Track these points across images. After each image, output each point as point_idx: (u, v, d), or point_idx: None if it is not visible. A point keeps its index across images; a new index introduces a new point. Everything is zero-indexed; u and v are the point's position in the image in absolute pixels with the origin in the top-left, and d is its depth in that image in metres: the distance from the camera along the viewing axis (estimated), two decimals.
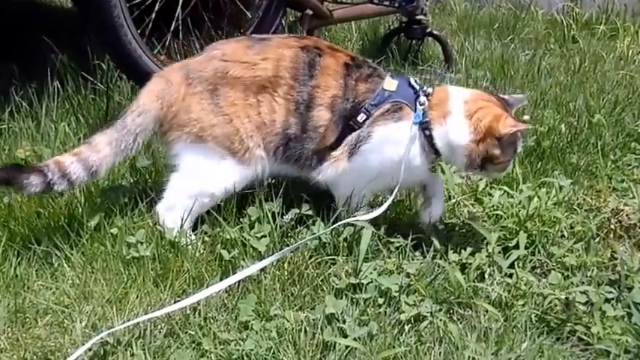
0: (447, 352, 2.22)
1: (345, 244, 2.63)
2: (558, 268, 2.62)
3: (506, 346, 2.24)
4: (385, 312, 2.38)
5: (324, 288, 2.47)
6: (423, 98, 2.61)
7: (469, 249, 2.61)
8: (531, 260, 2.62)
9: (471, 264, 2.56)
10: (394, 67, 4.15)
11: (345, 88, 2.63)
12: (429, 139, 2.61)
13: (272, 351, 2.24)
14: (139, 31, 3.21)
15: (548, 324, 2.38)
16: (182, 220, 2.61)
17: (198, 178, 2.63)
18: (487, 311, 2.37)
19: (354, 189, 2.67)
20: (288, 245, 2.62)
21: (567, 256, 2.66)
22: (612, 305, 2.43)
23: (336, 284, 2.46)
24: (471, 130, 2.58)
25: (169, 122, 2.59)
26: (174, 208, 2.63)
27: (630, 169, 3.31)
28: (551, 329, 2.37)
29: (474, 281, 2.50)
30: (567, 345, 2.33)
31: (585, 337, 2.34)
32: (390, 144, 2.61)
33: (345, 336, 2.28)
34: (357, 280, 2.46)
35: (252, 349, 2.22)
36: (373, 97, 2.62)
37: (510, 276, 2.53)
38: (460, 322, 2.35)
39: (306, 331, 2.29)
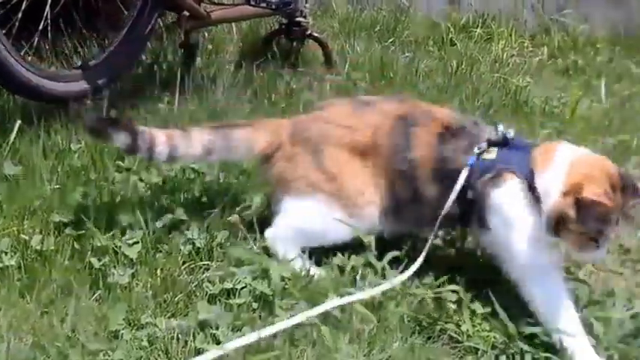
0: (320, 354, 2.21)
1: (220, 250, 2.60)
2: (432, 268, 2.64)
3: (378, 347, 2.25)
4: (260, 316, 2.36)
5: (198, 294, 2.43)
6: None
7: (347, 252, 2.61)
8: (406, 262, 2.63)
9: (346, 266, 2.55)
10: (274, 68, 4.13)
11: (443, 161, 2.55)
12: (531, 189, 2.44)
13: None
14: (4, 31, 3.09)
15: (420, 323, 2.40)
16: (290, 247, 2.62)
17: (304, 224, 2.63)
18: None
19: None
20: (161, 252, 2.58)
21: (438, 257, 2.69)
22: (481, 304, 2.47)
23: (210, 290, 2.43)
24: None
25: (276, 177, 2.65)
26: (283, 239, 2.62)
27: None
28: (423, 328, 2.39)
29: (350, 284, 2.50)
30: (438, 343, 2.35)
31: (455, 335, 2.38)
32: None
33: (218, 342, 2.25)
34: (232, 285, 2.43)
35: (121, 359, 2.16)
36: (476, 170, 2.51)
37: (384, 277, 2.54)
38: (334, 325, 2.35)
39: (178, 338, 2.25)
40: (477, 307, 2.46)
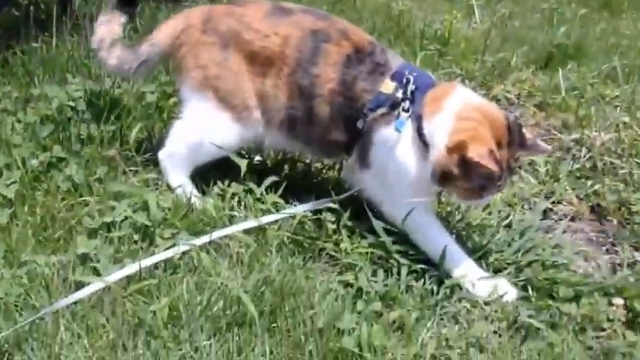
0: (201, 280, 2.24)
1: (100, 185, 2.59)
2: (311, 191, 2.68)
3: (257, 269, 2.28)
4: (141, 248, 2.37)
5: (78, 229, 2.43)
6: (407, 104, 2.42)
7: (227, 180, 2.63)
8: (286, 185, 2.66)
9: (226, 193, 2.58)
10: (155, 2, 4.05)
11: (342, 84, 2.50)
12: (420, 134, 2.40)
13: (22, 297, 2.19)
14: None
15: (301, 244, 2.45)
16: (181, 168, 2.66)
17: (197, 128, 2.62)
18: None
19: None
20: (39, 190, 2.56)
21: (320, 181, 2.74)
22: (359, 222, 2.53)
23: (90, 224, 2.42)
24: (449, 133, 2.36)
25: (178, 63, 2.65)
26: (174, 157, 2.65)
27: None
28: (303, 249, 2.44)
29: (230, 210, 2.53)
30: (318, 262, 2.40)
31: (335, 254, 2.43)
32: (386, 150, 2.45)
33: (99, 275, 2.26)
34: (112, 219, 2.43)
35: (1, 298, 2.15)
36: (371, 100, 2.47)
37: (264, 202, 2.57)
38: (215, 252, 2.37)
39: (58, 273, 2.25)
40: (356, 225, 2.51)
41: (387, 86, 2.46)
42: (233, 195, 2.58)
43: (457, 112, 2.36)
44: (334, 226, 2.49)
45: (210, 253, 2.34)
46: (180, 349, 2.06)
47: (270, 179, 2.60)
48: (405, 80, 2.45)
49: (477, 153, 2.25)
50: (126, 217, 2.44)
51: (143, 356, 2.03)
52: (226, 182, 2.62)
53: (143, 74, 2.82)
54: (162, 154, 2.66)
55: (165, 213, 2.48)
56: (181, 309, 2.14)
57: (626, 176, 2.96)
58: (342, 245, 2.44)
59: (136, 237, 2.40)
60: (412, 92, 2.43)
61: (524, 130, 2.40)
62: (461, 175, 2.31)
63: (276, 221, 2.49)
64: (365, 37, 2.58)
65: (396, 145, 2.42)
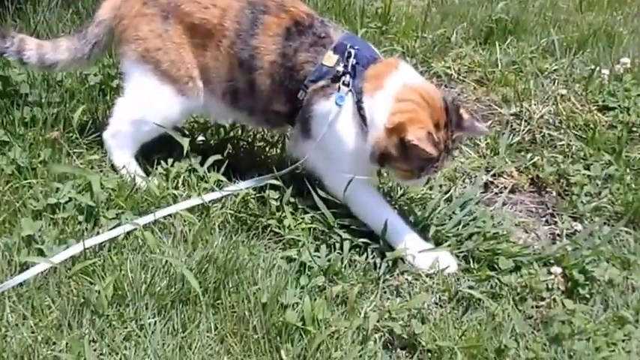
0: (145, 259, 2.26)
1: (44, 167, 2.59)
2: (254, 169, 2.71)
3: (201, 247, 2.31)
4: (86, 228, 2.38)
5: (23, 212, 2.43)
6: (348, 78, 2.43)
7: (170, 159, 2.65)
8: (229, 165, 2.68)
9: (169, 172, 2.60)
10: None
11: (283, 56, 2.50)
12: (359, 108, 2.43)
13: None
14: None
15: (245, 222, 2.48)
16: (126, 147, 2.66)
17: (139, 104, 2.62)
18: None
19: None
20: None
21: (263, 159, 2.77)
22: (302, 199, 2.56)
23: (34, 206, 2.43)
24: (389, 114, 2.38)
25: (119, 35, 2.62)
26: (118, 135, 2.65)
27: None
28: (247, 226, 2.47)
29: (174, 189, 2.55)
30: (263, 239, 2.44)
31: (278, 230, 2.47)
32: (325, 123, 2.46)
33: (44, 256, 2.27)
34: (56, 200, 2.43)
35: None
36: (312, 72, 2.48)
37: (207, 181, 2.60)
38: (160, 231, 2.40)
39: (3, 255, 2.26)
40: (299, 201, 2.54)
41: (329, 59, 2.46)
42: (177, 174, 2.60)
43: (397, 93, 2.38)
44: (277, 203, 2.52)
45: (154, 232, 2.37)
46: (126, 327, 2.09)
47: (212, 158, 2.63)
48: (346, 54, 2.45)
49: (416, 136, 2.27)
50: (70, 199, 2.45)
51: (89, 335, 2.05)
52: (169, 161, 2.63)
53: (97, 57, 2.81)
54: (106, 134, 2.67)
55: (109, 194, 2.49)
56: (126, 288, 2.16)
57: (565, 148, 3.02)
58: (286, 222, 2.47)
59: (80, 218, 2.41)
60: (353, 66, 2.44)
61: (462, 110, 2.44)
62: (399, 157, 2.34)
63: (220, 199, 2.52)
64: (304, 9, 2.58)
65: (336, 119, 2.44)
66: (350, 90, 2.42)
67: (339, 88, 2.44)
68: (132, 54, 2.59)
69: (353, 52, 2.45)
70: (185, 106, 2.61)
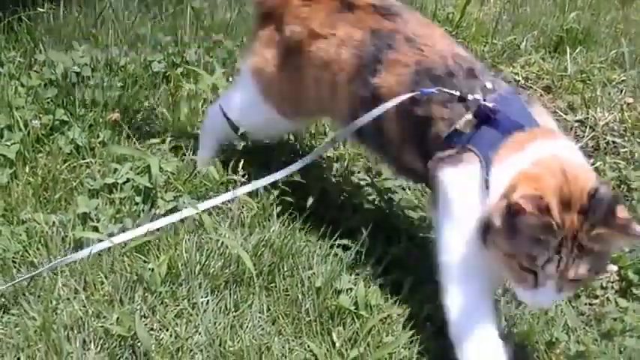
0: (202, 240, 2.23)
1: (102, 148, 2.59)
2: (318, 159, 2.66)
3: (257, 231, 2.28)
4: (142, 210, 2.36)
5: (79, 190, 2.42)
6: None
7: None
8: (291, 152, 2.65)
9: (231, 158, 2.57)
10: None
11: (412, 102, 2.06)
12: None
13: (20, 254, 2.19)
14: None
15: (304, 208, 2.43)
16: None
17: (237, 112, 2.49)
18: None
19: None
20: (41, 152, 2.56)
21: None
22: (364, 190, 2.53)
23: (91, 185, 2.42)
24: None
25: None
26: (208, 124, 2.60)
27: None
28: (306, 214, 2.42)
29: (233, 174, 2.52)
30: (321, 227, 2.39)
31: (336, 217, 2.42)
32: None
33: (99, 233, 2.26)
34: (113, 180, 2.42)
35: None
36: (444, 135, 2.02)
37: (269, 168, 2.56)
38: (217, 215, 2.37)
39: (58, 231, 2.25)
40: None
41: (467, 124, 1.99)
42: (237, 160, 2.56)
43: (534, 161, 1.85)
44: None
45: (211, 214, 2.34)
46: (178, 305, 2.07)
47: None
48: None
49: (522, 193, 1.75)
50: (128, 180, 2.43)
51: (140, 310, 2.03)
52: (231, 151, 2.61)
53: None
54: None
55: (167, 177, 2.47)
56: (180, 267, 2.14)
57: (627, 155, 2.97)
58: (346, 210, 2.44)
59: (137, 199, 2.39)
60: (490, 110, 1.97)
61: (619, 208, 1.79)
62: (502, 228, 1.78)
63: (278, 185, 2.48)
64: (446, 48, 2.12)
65: (458, 190, 1.99)
66: (481, 162, 1.94)
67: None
68: (249, 65, 2.43)
69: (498, 118, 1.96)
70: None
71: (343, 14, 2.23)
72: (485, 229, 1.81)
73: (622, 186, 2.80)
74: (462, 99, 1.98)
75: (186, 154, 2.59)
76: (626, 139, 3.05)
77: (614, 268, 2.34)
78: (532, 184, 1.76)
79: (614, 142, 3.04)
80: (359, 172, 2.64)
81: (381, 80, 2.12)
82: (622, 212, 1.78)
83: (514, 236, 1.76)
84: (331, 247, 2.28)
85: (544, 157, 1.83)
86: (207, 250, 2.19)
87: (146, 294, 2.08)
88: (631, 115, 3.15)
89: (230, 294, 2.08)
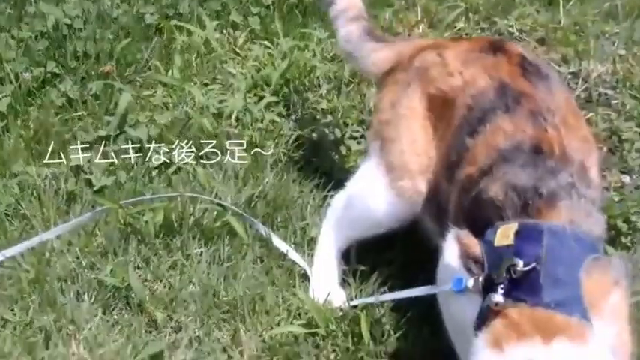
0: (195, 191, 2.24)
1: (95, 101, 2.58)
2: (309, 112, 2.67)
3: (251, 183, 2.28)
4: (136, 163, 2.36)
5: (72, 143, 2.42)
6: (498, 298, 1.51)
7: (222, 97, 2.62)
8: (285, 105, 2.65)
9: (223, 111, 2.56)
10: None
11: (483, 174, 1.70)
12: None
13: (13, 206, 2.20)
14: None
15: (297, 162, 2.44)
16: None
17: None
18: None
19: None
20: (33, 105, 2.55)
21: (320, 101, 2.72)
22: (357, 141, 2.52)
23: (84, 138, 2.42)
24: None
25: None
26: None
27: None
28: (300, 167, 2.42)
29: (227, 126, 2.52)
30: (314, 179, 2.38)
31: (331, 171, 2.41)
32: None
33: (92, 186, 2.26)
34: (106, 133, 2.42)
35: None
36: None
37: (262, 121, 2.56)
38: (210, 167, 2.37)
39: (51, 184, 2.26)
40: (352, 144, 2.51)
41: (504, 235, 1.59)
42: (230, 113, 2.56)
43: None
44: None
45: (205, 167, 2.34)
46: (172, 257, 2.08)
47: (268, 98, 2.59)
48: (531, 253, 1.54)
49: None
50: (121, 132, 2.43)
51: (134, 262, 2.04)
52: (224, 102, 2.60)
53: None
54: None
55: (161, 129, 2.47)
56: (174, 219, 2.14)
57: (619, 107, 2.96)
58: (339, 162, 2.44)
59: (131, 151, 2.39)
60: (513, 279, 1.51)
61: None
62: None
63: (274, 139, 2.48)
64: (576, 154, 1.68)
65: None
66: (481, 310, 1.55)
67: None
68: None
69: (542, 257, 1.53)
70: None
71: (483, 55, 1.87)
72: None
73: (613, 137, 2.80)
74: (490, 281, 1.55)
75: (180, 105, 2.58)
76: (618, 90, 3.03)
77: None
78: None
79: (606, 93, 3.02)
80: (352, 124, 2.62)
81: (474, 144, 1.75)
82: None
83: None
84: (324, 198, 2.27)
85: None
86: (201, 202, 2.19)
87: (140, 246, 2.09)
88: (623, 67, 3.13)
89: (223, 245, 2.09)
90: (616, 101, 2.99)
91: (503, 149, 1.68)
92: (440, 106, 1.87)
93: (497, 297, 1.50)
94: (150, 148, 2.40)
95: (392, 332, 1.91)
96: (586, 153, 1.70)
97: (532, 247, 1.53)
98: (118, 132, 2.43)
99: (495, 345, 1.48)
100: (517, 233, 1.57)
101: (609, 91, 3.02)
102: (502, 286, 1.51)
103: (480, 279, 1.56)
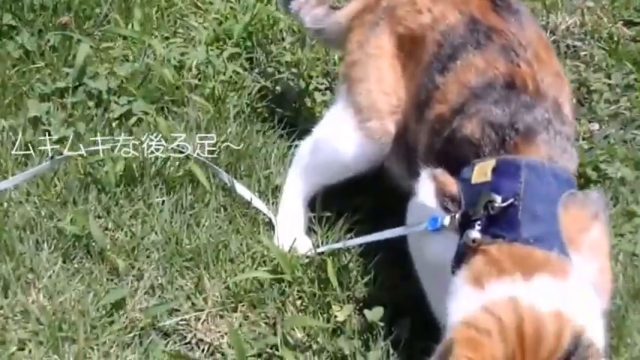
0: (156, 142, 2.19)
1: (53, 53, 2.51)
2: (272, 64, 2.62)
3: (214, 133, 2.24)
4: (95, 113, 2.31)
5: (30, 95, 2.36)
6: (475, 234, 1.50)
7: (184, 49, 2.57)
8: (249, 59, 2.60)
9: (185, 63, 2.51)
10: None
11: (454, 113, 1.67)
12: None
13: None
14: None
15: (261, 113, 2.41)
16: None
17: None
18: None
19: None
20: None
21: (284, 54, 2.67)
22: (322, 93, 2.49)
23: (42, 90, 2.36)
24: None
25: None
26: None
27: None
28: (263, 118, 2.39)
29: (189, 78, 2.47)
30: (279, 130, 2.34)
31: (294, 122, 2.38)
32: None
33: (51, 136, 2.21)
34: (65, 84, 2.36)
35: None
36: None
37: (224, 73, 2.51)
38: (173, 118, 2.32)
39: (9, 136, 2.20)
40: (318, 96, 2.48)
41: (481, 173, 1.57)
42: (191, 67, 2.50)
43: (496, 300, 1.42)
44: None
45: (167, 118, 2.30)
46: (134, 206, 2.03)
47: (230, 50, 2.55)
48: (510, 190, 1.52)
49: None
50: (80, 84, 2.37)
51: (94, 211, 1.99)
52: (185, 55, 2.54)
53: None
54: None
55: (121, 81, 2.41)
56: (135, 169, 2.10)
57: (587, 58, 2.95)
58: (301, 108, 2.42)
59: (90, 103, 2.34)
60: (491, 216, 1.50)
61: None
62: None
63: (237, 91, 2.44)
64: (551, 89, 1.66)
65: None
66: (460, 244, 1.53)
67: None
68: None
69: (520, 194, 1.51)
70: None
71: None
72: None
73: (581, 88, 2.79)
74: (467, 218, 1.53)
75: (140, 58, 2.52)
76: (586, 42, 3.03)
77: None
78: (469, 351, 1.35)
79: (574, 45, 3.01)
80: (317, 77, 2.58)
81: (444, 81, 1.71)
82: None
83: None
84: (289, 147, 2.24)
85: (499, 303, 1.40)
86: (163, 150, 2.14)
87: (100, 195, 2.04)
88: (591, 19, 3.12)
89: (186, 194, 2.05)
90: (585, 53, 2.97)
91: (475, 86, 1.65)
92: (409, 45, 1.83)
93: (475, 233, 1.49)
94: (110, 99, 2.34)
95: (360, 278, 1.88)
96: (559, 89, 1.68)
97: (510, 182, 1.52)
98: (76, 84, 2.37)
99: (475, 282, 1.46)
100: (495, 170, 1.54)
101: (577, 43, 3.01)
102: (479, 222, 1.50)
103: (457, 216, 1.54)
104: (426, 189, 1.63)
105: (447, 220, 1.56)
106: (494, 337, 1.37)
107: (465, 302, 1.47)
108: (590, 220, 1.55)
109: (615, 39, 3.00)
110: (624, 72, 2.82)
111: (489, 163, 1.56)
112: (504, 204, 1.49)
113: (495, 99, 1.62)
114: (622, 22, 3.14)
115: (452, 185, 1.60)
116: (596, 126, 2.59)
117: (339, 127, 1.92)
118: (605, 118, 2.63)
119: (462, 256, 1.52)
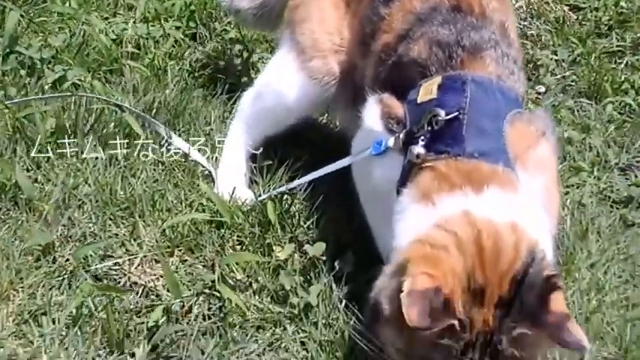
0: (91, 104, 2.10)
1: None
2: (217, 40, 2.56)
3: (150, 93, 2.16)
4: (28, 82, 2.22)
5: None
6: (419, 149, 1.46)
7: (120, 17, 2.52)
8: (192, 35, 2.54)
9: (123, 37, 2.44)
10: None
11: (400, 39, 1.64)
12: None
13: None
14: None
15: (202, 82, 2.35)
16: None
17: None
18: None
19: None
20: None
21: (229, 31, 2.62)
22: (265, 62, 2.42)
23: None
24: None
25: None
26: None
27: None
28: (206, 86, 2.33)
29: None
30: (222, 96, 2.28)
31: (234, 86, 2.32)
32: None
33: None
34: None
35: None
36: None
37: (165, 44, 2.44)
38: (109, 84, 2.24)
39: None
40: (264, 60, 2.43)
41: (427, 91, 1.52)
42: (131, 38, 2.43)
43: (449, 215, 1.37)
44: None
45: (101, 80, 2.23)
46: (66, 162, 1.93)
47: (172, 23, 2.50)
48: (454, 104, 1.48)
49: (411, 285, 1.27)
50: (11, 51, 2.29)
51: (23, 163, 1.89)
52: (125, 31, 2.46)
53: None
54: None
55: (55, 51, 2.33)
56: (68, 127, 2.01)
57: (535, 38, 2.95)
58: (244, 79, 2.35)
59: (22, 72, 2.25)
60: (435, 131, 1.46)
61: (554, 297, 1.31)
62: (392, 319, 1.32)
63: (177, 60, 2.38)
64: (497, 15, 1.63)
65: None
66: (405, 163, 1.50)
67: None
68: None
69: (465, 108, 1.47)
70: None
71: None
72: (375, 313, 1.37)
73: (529, 65, 2.78)
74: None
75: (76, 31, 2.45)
76: (533, 22, 3.04)
77: None
78: (427, 267, 1.29)
79: (523, 25, 3.03)
80: (261, 52, 2.53)
81: (389, 12, 1.67)
82: (558, 304, 1.30)
83: (400, 327, 1.29)
84: (230, 111, 2.17)
85: (453, 218, 1.36)
86: (97, 110, 2.05)
87: (30, 149, 1.94)
88: (537, 2, 3.15)
89: (119, 147, 1.96)
90: (531, 32, 2.99)
91: (420, 12, 1.61)
92: None
93: (418, 148, 1.45)
94: (43, 69, 2.26)
95: (303, 222, 1.80)
96: (505, 14, 1.65)
97: (455, 97, 1.48)
98: (7, 51, 2.28)
99: (424, 199, 1.42)
100: (440, 86, 1.50)
101: (525, 23, 3.02)
102: (423, 137, 1.45)
103: (401, 136, 1.49)
104: (372, 113, 1.58)
105: (391, 142, 1.51)
106: (452, 251, 1.32)
107: (414, 221, 1.41)
108: (537, 138, 1.51)
109: (561, 21, 3.02)
110: (570, 49, 2.84)
111: (435, 81, 1.52)
112: (448, 117, 1.45)
113: (441, 21, 1.58)
114: (568, 7, 3.16)
115: (398, 108, 1.55)
116: (542, 89, 2.59)
117: (281, 70, 1.87)
118: (552, 86, 2.63)
119: (407, 174, 1.47)
